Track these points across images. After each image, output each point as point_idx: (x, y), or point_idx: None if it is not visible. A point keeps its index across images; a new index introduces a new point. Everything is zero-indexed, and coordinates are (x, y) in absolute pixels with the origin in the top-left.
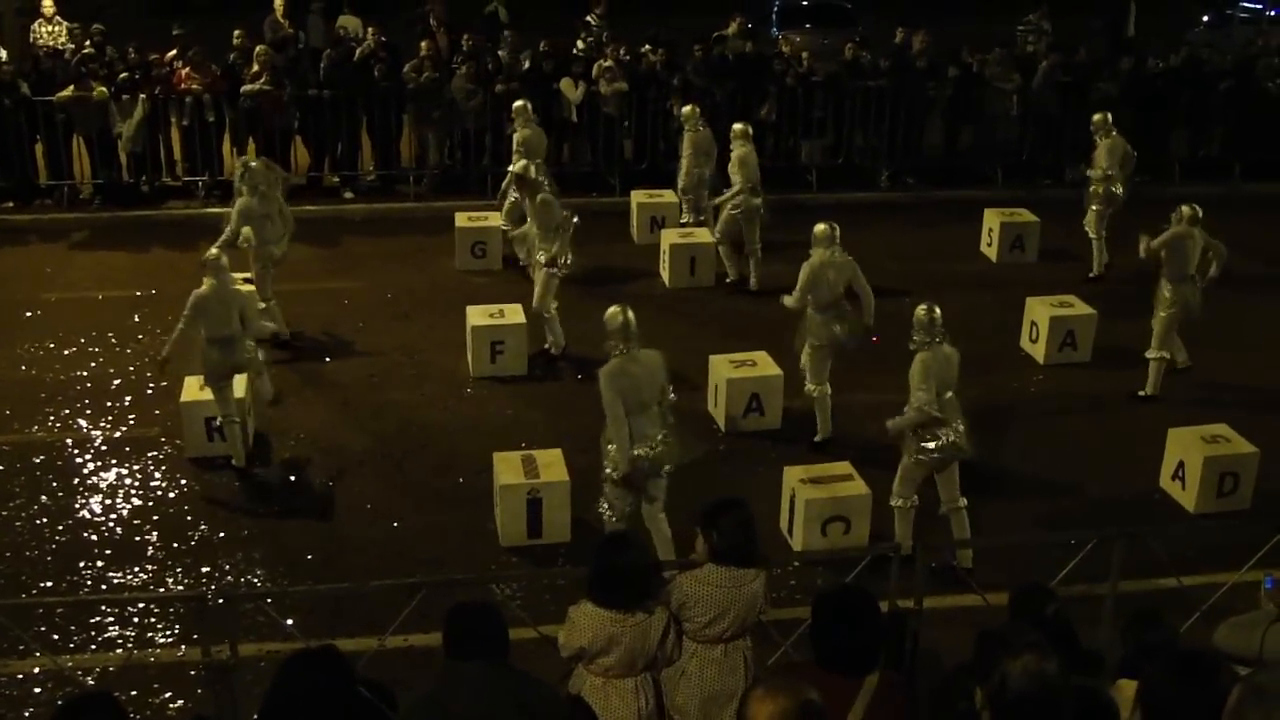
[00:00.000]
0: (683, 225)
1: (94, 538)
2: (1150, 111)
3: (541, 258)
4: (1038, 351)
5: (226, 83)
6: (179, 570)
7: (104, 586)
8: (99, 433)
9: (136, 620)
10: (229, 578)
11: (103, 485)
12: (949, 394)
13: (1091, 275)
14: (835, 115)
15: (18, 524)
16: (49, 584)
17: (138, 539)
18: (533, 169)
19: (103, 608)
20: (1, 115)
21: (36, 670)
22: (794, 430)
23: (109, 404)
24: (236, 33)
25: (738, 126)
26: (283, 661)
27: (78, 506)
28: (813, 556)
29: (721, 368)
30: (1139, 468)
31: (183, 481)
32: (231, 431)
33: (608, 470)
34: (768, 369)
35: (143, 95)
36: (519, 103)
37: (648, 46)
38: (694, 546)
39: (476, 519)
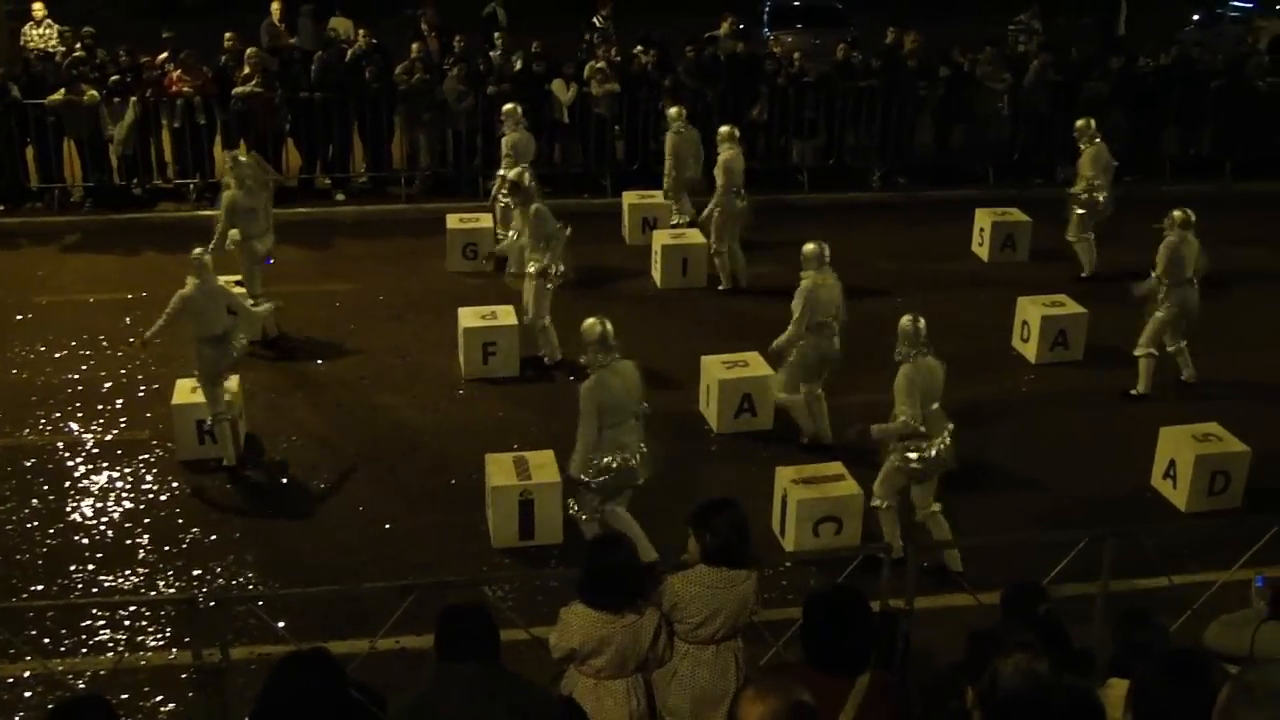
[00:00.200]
0: (673, 226)
1: (85, 541)
2: (1141, 110)
3: (532, 268)
4: (1029, 351)
5: (217, 85)
6: (170, 573)
7: (95, 590)
8: (90, 436)
9: (127, 623)
10: (220, 580)
11: (94, 488)
12: (934, 405)
13: (1084, 275)
14: (827, 115)
15: (8, 527)
16: (39, 587)
17: (129, 542)
18: (527, 176)
19: (94, 611)
20: None
21: (27, 674)
22: (786, 430)
23: (100, 407)
24: (228, 35)
25: (724, 129)
26: (274, 664)
27: (69, 510)
28: (804, 557)
29: (713, 368)
30: (1130, 467)
31: (174, 484)
32: (222, 430)
33: (582, 477)
34: (759, 369)
35: (134, 98)
36: (509, 106)
37: (639, 48)
38: (685, 547)
39: (468, 520)
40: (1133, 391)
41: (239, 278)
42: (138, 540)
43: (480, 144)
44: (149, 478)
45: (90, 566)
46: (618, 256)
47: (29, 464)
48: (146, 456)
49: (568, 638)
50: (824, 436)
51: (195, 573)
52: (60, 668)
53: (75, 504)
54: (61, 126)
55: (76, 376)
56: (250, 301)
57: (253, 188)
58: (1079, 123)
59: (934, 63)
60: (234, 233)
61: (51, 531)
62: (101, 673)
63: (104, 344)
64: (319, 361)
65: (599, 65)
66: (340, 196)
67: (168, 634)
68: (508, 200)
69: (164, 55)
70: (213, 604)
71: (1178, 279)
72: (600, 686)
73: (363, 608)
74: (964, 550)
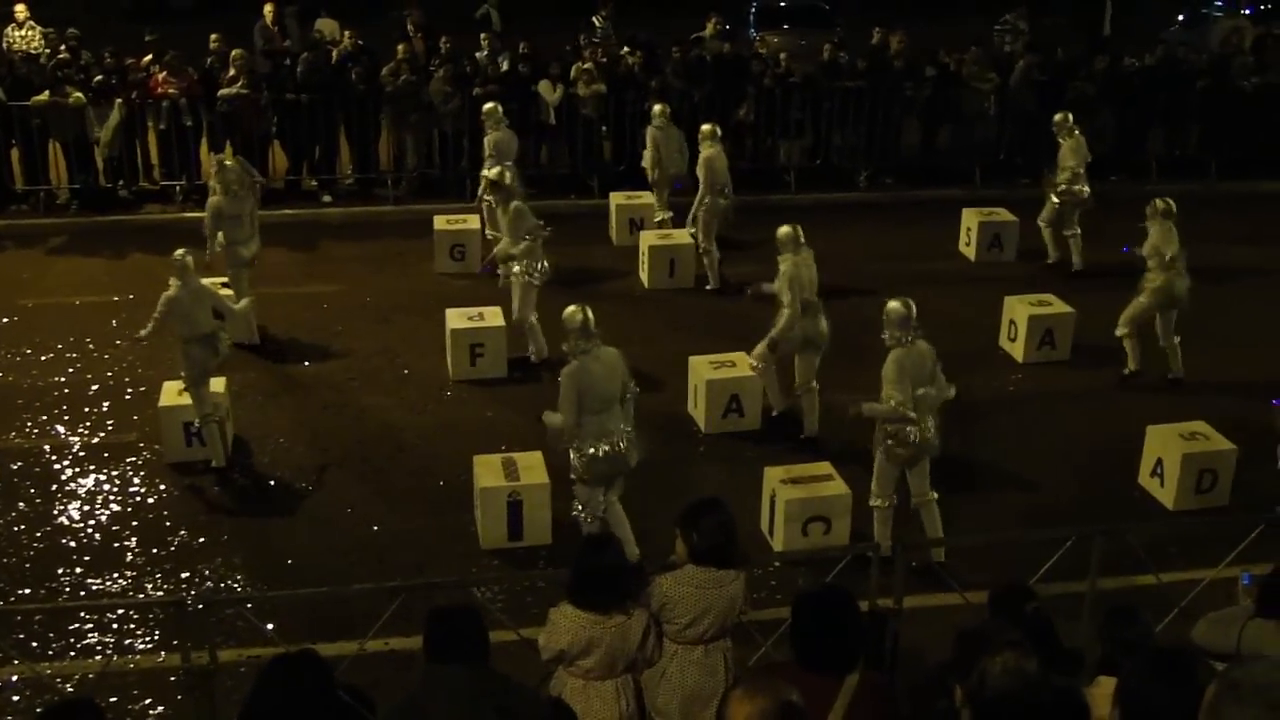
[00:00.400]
0: (657, 224)
1: (72, 544)
2: (1127, 110)
3: (516, 267)
4: (1016, 350)
5: (203, 87)
6: (158, 576)
7: (83, 593)
8: (77, 438)
9: (116, 627)
10: (208, 583)
11: (81, 491)
12: (922, 390)
13: (1049, 262)
14: (813, 116)
15: None
16: (27, 590)
17: (116, 545)
18: (508, 175)
19: (82, 614)
20: None
21: (15, 678)
22: (774, 431)
23: (87, 409)
24: (214, 36)
25: (706, 127)
26: (263, 666)
27: (56, 513)
28: (793, 556)
29: (701, 369)
30: (1118, 465)
31: (161, 487)
32: (210, 431)
33: (577, 472)
34: (747, 370)
35: (119, 100)
36: (488, 105)
37: (625, 49)
38: (673, 548)
39: (457, 522)
40: (1126, 372)
41: (225, 279)
42: (125, 543)
43: (467, 145)
44: (136, 480)
45: (78, 569)
46: (605, 257)
47: (16, 467)
48: (134, 459)
49: (556, 639)
50: (810, 430)
51: (183, 575)
52: (48, 671)
53: (63, 507)
54: (47, 128)
55: (63, 379)
56: (236, 307)
57: (238, 192)
58: (1057, 116)
59: (920, 63)
60: (221, 237)
61: (39, 534)
62: (90, 676)
63: (90, 347)
64: (306, 363)
65: (586, 66)
66: (327, 198)
67: (156, 637)
68: (490, 199)
69: (149, 57)
70: (201, 606)
71: (1162, 263)
72: (589, 687)
73: (351, 609)
74: (952, 549)
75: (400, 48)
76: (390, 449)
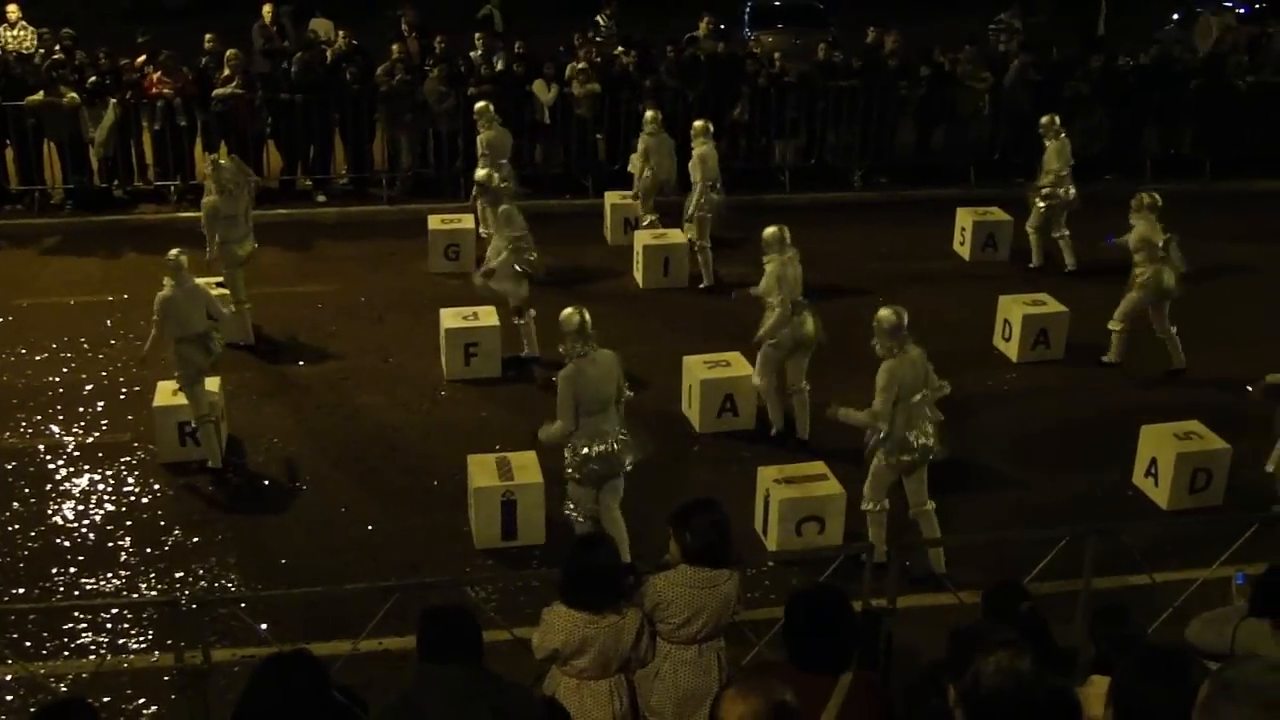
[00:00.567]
0: (645, 226)
1: (66, 544)
2: (1122, 109)
3: (509, 262)
4: (1011, 350)
5: (198, 87)
6: (152, 576)
7: (76, 592)
8: (71, 438)
9: (109, 626)
10: (202, 583)
11: (75, 491)
12: (917, 397)
13: (1031, 266)
14: (808, 115)
15: None
16: (21, 590)
17: (110, 545)
18: (495, 177)
19: (75, 614)
20: None
21: (9, 678)
22: (768, 430)
23: (81, 409)
24: (208, 36)
25: (698, 124)
26: (257, 666)
27: (50, 512)
28: (787, 556)
29: (695, 368)
30: (1112, 465)
31: (155, 486)
32: (206, 432)
33: (569, 471)
34: (741, 369)
35: (114, 100)
36: (480, 104)
37: (620, 49)
38: (667, 548)
39: (451, 521)
40: (1104, 359)
41: (220, 279)
42: (119, 543)
43: (462, 145)
44: (130, 480)
45: (72, 569)
46: (599, 257)
47: (9, 467)
48: (128, 459)
49: (550, 638)
50: (801, 432)
51: (177, 575)
52: (42, 671)
53: (56, 507)
54: (41, 128)
55: (57, 379)
56: (231, 308)
57: (233, 192)
58: (1043, 119)
59: (915, 62)
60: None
61: (33, 534)
62: (83, 675)
63: (85, 346)
64: (300, 363)
65: (580, 66)
66: (321, 198)
67: (150, 636)
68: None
69: (143, 57)
70: (195, 606)
71: (1153, 256)
72: (583, 687)
73: (345, 609)
74: (947, 549)
75: (395, 47)
76: (384, 448)
